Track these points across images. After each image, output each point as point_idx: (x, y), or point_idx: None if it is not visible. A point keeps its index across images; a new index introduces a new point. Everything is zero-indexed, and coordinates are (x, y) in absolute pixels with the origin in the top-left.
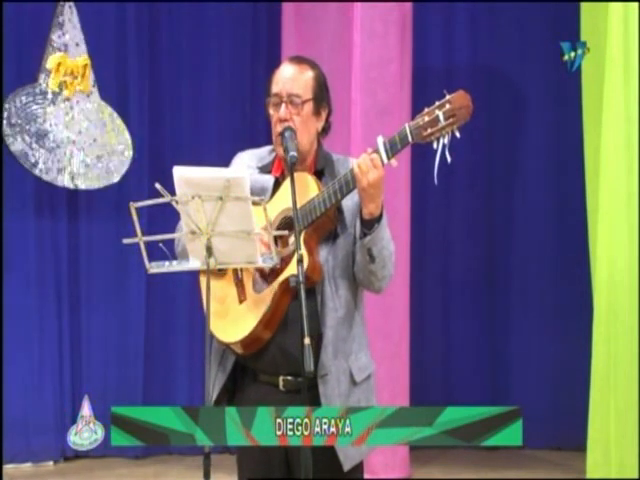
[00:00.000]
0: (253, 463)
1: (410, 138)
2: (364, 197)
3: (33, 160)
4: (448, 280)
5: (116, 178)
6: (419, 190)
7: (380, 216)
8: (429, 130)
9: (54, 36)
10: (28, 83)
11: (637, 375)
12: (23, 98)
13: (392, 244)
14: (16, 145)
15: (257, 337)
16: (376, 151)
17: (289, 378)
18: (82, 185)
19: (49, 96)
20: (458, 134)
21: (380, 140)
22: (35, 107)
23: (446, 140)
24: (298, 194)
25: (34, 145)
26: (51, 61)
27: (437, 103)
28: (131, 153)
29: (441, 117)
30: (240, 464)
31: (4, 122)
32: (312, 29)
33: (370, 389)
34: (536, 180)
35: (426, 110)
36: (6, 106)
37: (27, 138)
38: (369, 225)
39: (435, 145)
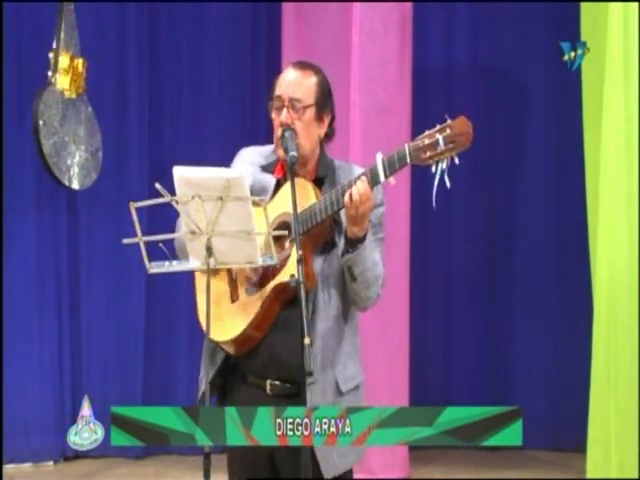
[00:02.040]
0: (240, 464)
1: (409, 159)
2: (350, 220)
3: (55, 160)
4: (448, 280)
5: (94, 178)
6: (419, 189)
7: (364, 237)
8: (428, 153)
9: (62, 36)
10: (28, 83)
11: (637, 375)
12: (50, 97)
13: (380, 267)
14: (47, 146)
15: (246, 340)
16: (374, 168)
17: (277, 383)
18: (77, 186)
19: (60, 96)
20: (457, 160)
21: (379, 158)
22: (55, 106)
23: (444, 165)
24: (297, 199)
25: (57, 146)
26: (63, 61)
27: (438, 127)
28: (101, 154)
29: (441, 141)
30: (230, 465)
31: (40, 122)
32: (312, 29)
33: (358, 399)
34: (536, 180)
35: (427, 132)
36: (41, 107)
37: (55, 139)
38: (352, 244)
39: (433, 169)
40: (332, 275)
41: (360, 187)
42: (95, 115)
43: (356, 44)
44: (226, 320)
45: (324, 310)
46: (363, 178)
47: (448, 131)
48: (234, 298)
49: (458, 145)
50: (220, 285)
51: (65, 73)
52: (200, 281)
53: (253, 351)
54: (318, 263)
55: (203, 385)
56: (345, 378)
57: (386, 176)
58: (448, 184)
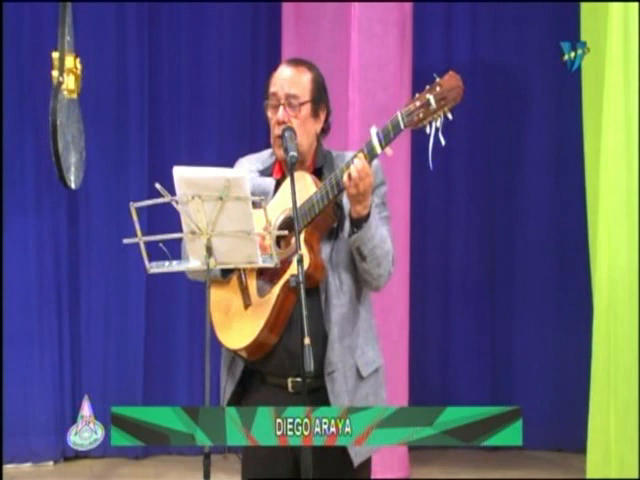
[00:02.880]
0: (259, 464)
1: (402, 125)
2: (352, 199)
3: (64, 160)
4: (448, 280)
5: (81, 177)
6: (419, 189)
7: (368, 215)
8: (421, 115)
9: (67, 37)
10: (28, 83)
11: (637, 375)
12: (61, 97)
13: (388, 243)
14: (61, 146)
15: (263, 342)
16: (370, 142)
17: (298, 380)
18: (73, 185)
19: (66, 96)
20: (450, 116)
21: (373, 130)
22: (64, 107)
23: (439, 123)
24: (297, 194)
25: (64, 146)
26: (70, 61)
27: (427, 87)
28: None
29: (432, 101)
30: (245, 465)
31: (58, 122)
32: (312, 29)
33: (379, 383)
34: (536, 179)
35: (417, 95)
36: (58, 106)
37: (64, 139)
38: (357, 224)
39: (428, 130)
40: (341, 260)
41: (357, 164)
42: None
43: (355, 44)
44: (241, 327)
45: (337, 297)
46: (360, 155)
47: (438, 89)
48: (247, 304)
49: (450, 101)
50: (232, 292)
51: (71, 74)
52: (215, 296)
53: (271, 352)
54: (326, 250)
55: (224, 398)
56: (365, 362)
57: (382, 147)
58: (443, 142)
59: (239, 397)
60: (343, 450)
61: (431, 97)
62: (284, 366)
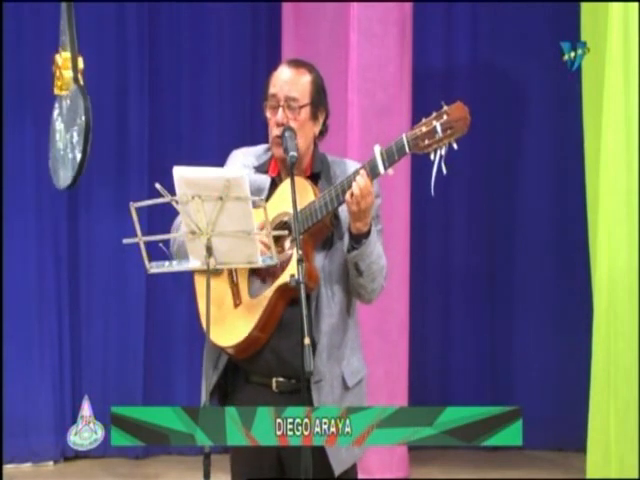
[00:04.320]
0: (245, 464)
1: (407, 149)
2: (353, 216)
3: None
4: (448, 280)
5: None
6: (419, 189)
7: (368, 232)
8: (426, 141)
9: (63, 36)
10: (28, 84)
11: (637, 375)
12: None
13: (383, 258)
14: (89, 146)
15: (252, 342)
16: (373, 161)
17: (282, 380)
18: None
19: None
20: (455, 146)
21: (377, 150)
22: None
23: (443, 151)
24: (297, 199)
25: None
26: (81, 61)
27: (434, 114)
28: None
29: (438, 128)
30: (233, 465)
31: (90, 123)
32: (312, 29)
33: (362, 393)
34: (537, 180)
35: (423, 120)
36: (89, 105)
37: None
38: (357, 240)
39: (432, 156)
40: (334, 271)
41: (360, 182)
42: None
43: (354, 44)
44: (230, 324)
45: (328, 307)
46: (362, 172)
47: (445, 117)
48: (237, 302)
49: (456, 131)
50: (221, 289)
51: (80, 74)
52: (200, 286)
53: (258, 353)
54: (319, 260)
55: (205, 392)
56: (351, 372)
57: (385, 168)
58: (445, 171)
59: (221, 390)
60: (324, 458)
61: (438, 124)
62: (270, 367)
